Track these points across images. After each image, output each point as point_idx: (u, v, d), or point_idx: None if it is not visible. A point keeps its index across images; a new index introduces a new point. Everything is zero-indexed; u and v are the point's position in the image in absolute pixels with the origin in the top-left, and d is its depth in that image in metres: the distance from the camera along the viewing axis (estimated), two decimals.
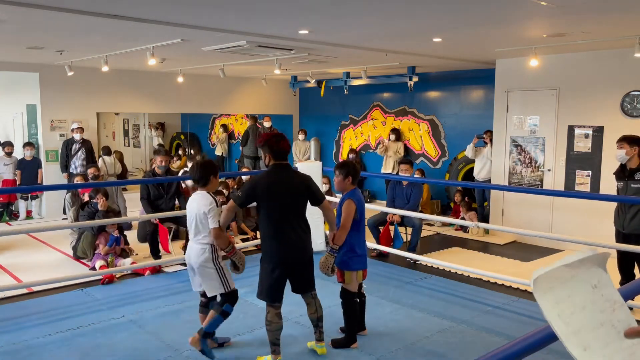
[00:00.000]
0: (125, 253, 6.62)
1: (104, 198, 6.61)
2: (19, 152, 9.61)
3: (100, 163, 9.53)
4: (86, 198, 7.04)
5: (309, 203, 3.95)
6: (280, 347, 3.90)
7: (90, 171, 8.12)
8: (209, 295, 4.03)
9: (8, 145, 9.52)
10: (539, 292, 1.23)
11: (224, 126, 14.63)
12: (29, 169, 9.34)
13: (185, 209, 6.79)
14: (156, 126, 16.18)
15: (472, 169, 9.10)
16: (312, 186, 3.96)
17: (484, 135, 8.76)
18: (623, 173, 5.09)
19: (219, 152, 14.44)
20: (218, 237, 3.86)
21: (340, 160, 11.69)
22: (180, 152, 14.16)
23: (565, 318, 1.22)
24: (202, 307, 4.21)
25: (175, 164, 12.19)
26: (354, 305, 4.30)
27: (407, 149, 10.61)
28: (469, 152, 8.82)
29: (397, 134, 10.49)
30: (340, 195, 4.38)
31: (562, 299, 1.24)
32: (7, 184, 9.23)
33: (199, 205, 3.91)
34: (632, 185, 4.97)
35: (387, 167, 10.24)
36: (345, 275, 4.17)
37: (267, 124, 11.65)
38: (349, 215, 4.10)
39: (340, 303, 4.29)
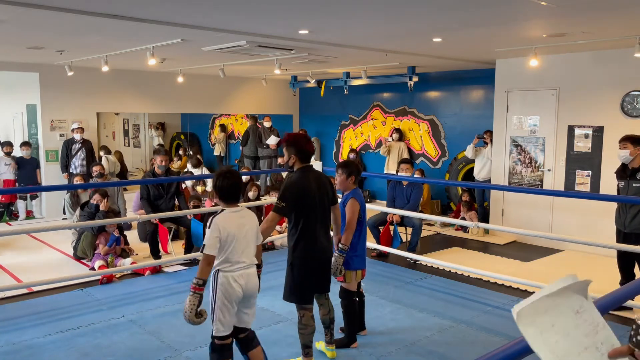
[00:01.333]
0: (126, 253, 6.62)
1: (104, 199, 6.61)
2: (18, 152, 9.60)
3: (103, 162, 9.54)
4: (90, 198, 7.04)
5: None
6: (312, 349, 3.87)
7: (96, 169, 8.10)
8: (250, 325, 3.44)
9: (7, 145, 9.51)
10: (523, 325, 1.26)
11: (222, 126, 14.64)
12: (27, 168, 9.33)
13: (183, 208, 6.92)
14: (157, 126, 16.18)
15: (472, 169, 9.10)
16: (333, 187, 4.04)
17: (485, 136, 8.76)
18: (625, 172, 5.09)
19: (217, 152, 14.46)
20: (261, 253, 3.49)
21: (341, 160, 11.71)
22: (180, 152, 14.16)
23: (551, 346, 1.24)
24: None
25: (176, 164, 12.20)
26: (353, 305, 4.31)
27: (408, 149, 10.60)
28: (469, 152, 8.82)
29: (400, 133, 10.49)
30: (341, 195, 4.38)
31: (546, 328, 1.26)
32: (7, 184, 9.23)
33: (253, 223, 3.35)
34: (634, 185, 4.98)
35: (390, 168, 10.22)
36: (346, 275, 4.18)
37: (267, 124, 11.65)
38: (354, 214, 4.12)
39: (340, 303, 4.30)
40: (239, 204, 3.36)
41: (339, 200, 4.24)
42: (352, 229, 4.09)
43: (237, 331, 3.38)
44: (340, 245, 4.04)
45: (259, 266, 3.46)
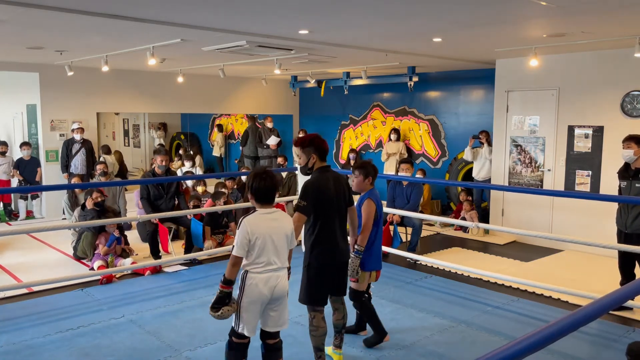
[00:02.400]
0: (126, 253, 6.62)
1: (99, 195, 6.62)
2: (16, 152, 9.59)
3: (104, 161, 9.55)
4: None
5: None
6: (325, 353, 3.84)
7: (100, 167, 8.10)
8: (283, 328, 3.38)
9: (2, 144, 9.48)
10: None
11: (219, 126, 14.61)
12: (28, 168, 9.33)
13: (183, 208, 6.92)
14: (158, 126, 16.16)
15: (472, 169, 9.10)
16: (350, 188, 4.00)
17: (480, 136, 8.76)
18: (627, 172, 5.08)
19: (216, 153, 14.45)
20: (291, 257, 3.42)
21: (341, 160, 11.72)
22: (180, 152, 14.14)
23: None
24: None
25: (176, 164, 12.20)
26: (365, 303, 4.28)
27: (408, 149, 10.59)
28: (467, 155, 8.82)
29: (398, 134, 10.49)
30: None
31: None
32: (1, 185, 9.20)
33: (287, 226, 3.30)
34: (637, 185, 4.97)
35: (388, 169, 10.21)
36: (360, 275, 4.13)
37: (269, 124, 11.66)
38: (370, 215, 4.08)
39: (352, 305, 4.28)
40: (273, 206, 3.31)
41: (355, 201, 4.20)
42: (368, 230, 4.06)
43: (266, 335, 3.36)
44: (356, 247, 4.02)
45: (288, 270, 3.42)
